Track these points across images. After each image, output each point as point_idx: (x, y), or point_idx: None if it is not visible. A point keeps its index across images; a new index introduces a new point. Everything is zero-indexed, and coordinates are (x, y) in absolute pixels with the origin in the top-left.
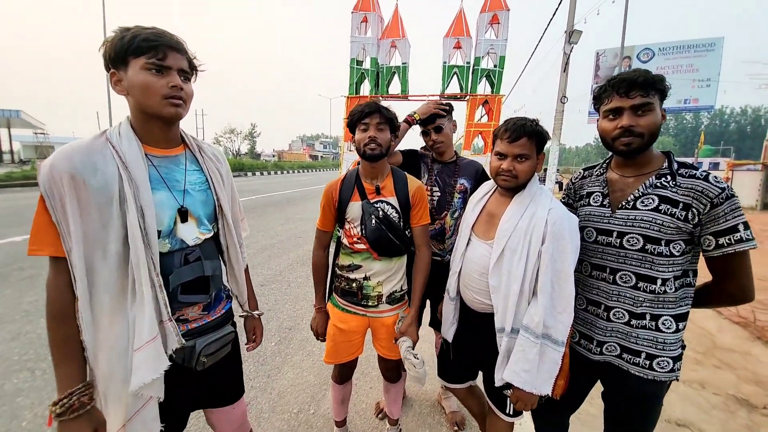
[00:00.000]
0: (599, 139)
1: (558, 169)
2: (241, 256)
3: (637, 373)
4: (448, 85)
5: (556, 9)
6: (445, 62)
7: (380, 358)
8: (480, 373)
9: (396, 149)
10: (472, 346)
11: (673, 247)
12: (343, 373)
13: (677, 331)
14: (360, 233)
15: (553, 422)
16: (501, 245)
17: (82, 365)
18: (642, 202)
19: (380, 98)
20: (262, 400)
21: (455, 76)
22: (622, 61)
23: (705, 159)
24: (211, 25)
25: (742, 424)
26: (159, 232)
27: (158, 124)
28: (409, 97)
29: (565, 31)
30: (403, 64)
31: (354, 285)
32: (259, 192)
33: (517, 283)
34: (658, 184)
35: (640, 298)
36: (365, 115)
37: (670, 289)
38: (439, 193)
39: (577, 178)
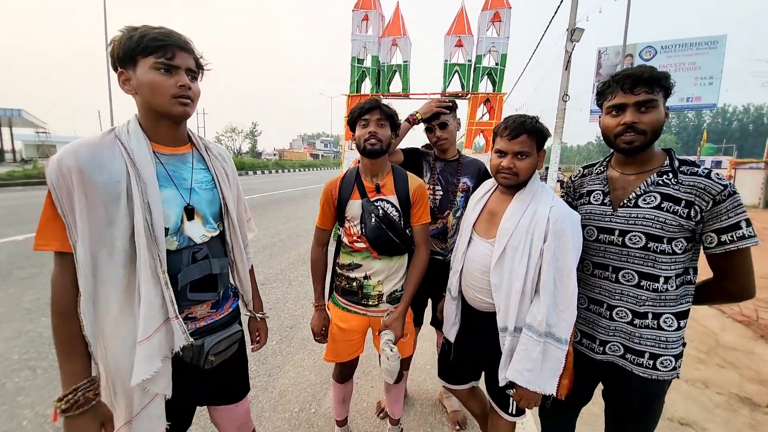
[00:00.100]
0: (601, 138)
1: (560, 168)
2: (246, 256)
3: (641, 374)
4: (449, 84)
5: (558, 7)
6: (446, 60)
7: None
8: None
9: (397, 148)
10: (473, 345)
11: (675, 245)
12: (344, 372)
13: (679, 329)
14: (360, 232)
15: (560, 421)
16: (502, 244)
17: (86, 361)
18: (644, 199)
19: (381, 96)
20: (263, 399)
21: (456, 74)
22: (624, 59)
23: (707, 157)
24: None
25: (745, 423)
26: (167, 229)
27: (166, 123)
28: (411, 96)
29: (567, 29)
30: (404, 62)
31: (354, 284)
32: (260, 191)
33: (519, 282)
34: (659, 181)
35: (643, 297)
36: (365, 111)
37: (672, 287)
38: (441, 192)
39: (576, 176)
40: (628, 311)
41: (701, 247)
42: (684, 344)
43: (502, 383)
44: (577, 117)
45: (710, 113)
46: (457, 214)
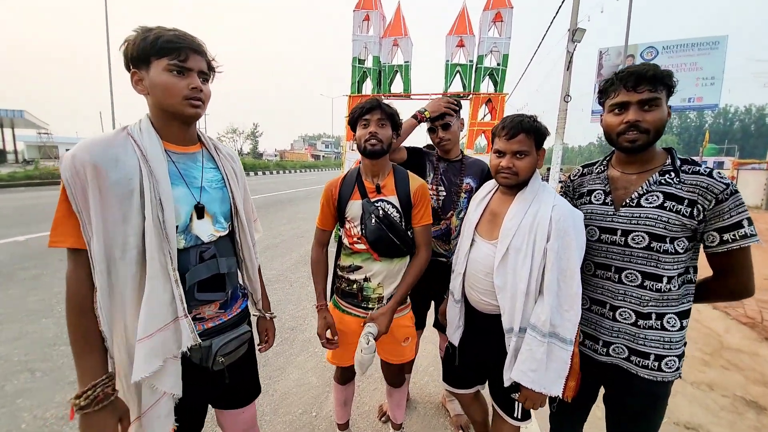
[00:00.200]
0: (602, 139)
1: (561, 168)
2: (255, 256)
3: (646, 376)
4: (450, 84)
5: (560, 7)
6: (447, 60)
7: (383, 363)
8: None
9: (401, 145)
10: (477, 347)
11: (677, 244)
12: (345, 374)
13: (681, 328)
14: (360, 233)
15: (568, 423)
16: (505, 244)
17: (103, 356)
18: (646, 199)
19: (382, 97)
20: (264, 402)
21: (458, 74)
22: (625, 59)
23: (709, 158)
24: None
25: (751, 426)
26: (176, 227)
27: (177, 123)
28: (412, 96)
29: (569, 29)
30: (405, 62)
31: (354, 286)
32: (261, 192)
33: (524, 282)
34: (662, 181)
35: (646, 297)
36: (366, 111)
37: (674, 286)
38: (444, 193)
39: (576, 175)
40: (631, 312)
41: (701, 246)
42: (685, 344)
43: (506, 383)
44: (578, 117)
45: (712, 114)
46: (461, 216)
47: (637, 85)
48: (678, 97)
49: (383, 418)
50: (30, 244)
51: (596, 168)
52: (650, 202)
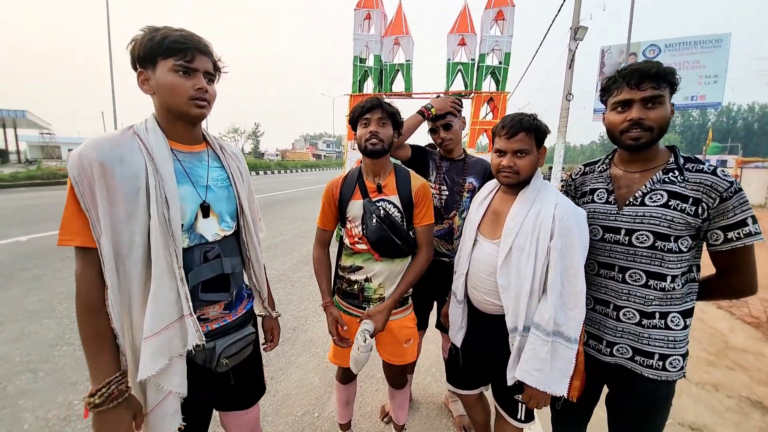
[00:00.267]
0: (604, 137)
1: (563, 167)
2: (260, 255)
3: (650, 376)
4: (452, 83)
5: (561, 5)
6: (449, 59)
7: (385, 364)
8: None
9: (406, 143)
10: (480, 348)
11: (681, 243)
12: (347, 373)
13: (685, 327)
14: (361, 233)
15: (571, 423)
16: (508, 243)
17: (116, 354)
18: (650, 198)
19: (384, 96)
20: (265, 402)
21: (459, 73)
22: (628, 57)
23: (712, 156)
24: (211, 24)
25: (756, 427)
26: (181, 225)
27: (183, 123)
28: (413, 95)
29: (571, 28)
30: (406, 61)
31: (355, 287)
32: (262, 191)
33: (527, 282)
34: (665, 179)
35: (650, 297)
36: (367, 110)
37: (678, 285)
38: (447, 192)
39: (577, 174)
40: (635, 312)
41: (704, 244)
42: (687, 342)
43: (510, 383)
44: (580, 116)
45: (715, 112)
46: (463, 215)
47: (641, 82)
48: (681, 95)
49: (386, 419)
50: (31, 245)
51: (598, 166)
52: (654, 201)
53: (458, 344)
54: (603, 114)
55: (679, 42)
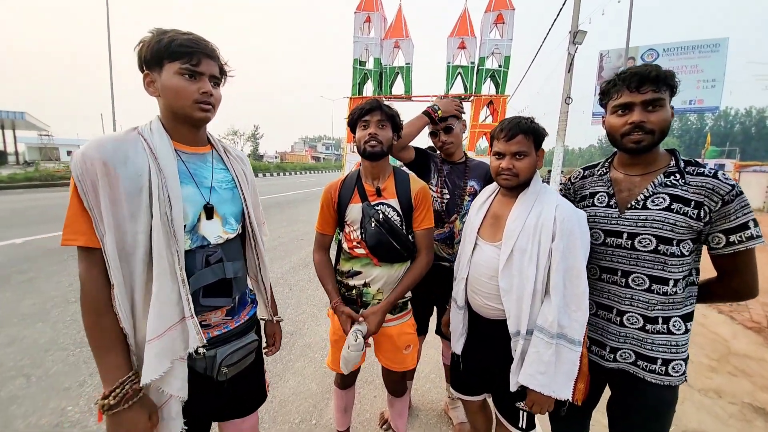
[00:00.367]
0: (603, 141)
1: (562, 171)
2: (265, 259)
3: (653, 380)
4: (452, 86)
5: (561, 9)
6: (449, 62)
7: (384, 371)
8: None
9: (410, 144)
10: (480, 353)
11: (683, 247)
12: (346, 379)
13: (686, 331)
14: (359, 237)
15: (573, 427)
16: (510, 246)
17: (127, 353)
18: (652, 201)
19: (383, 99)
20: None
21: (459, 76)
22: (627, 61)
23: (710, 160)
24: (211, 24)
25: None
26: (184, 226)
27: (187, 126)
28: (413, 98)
29: (570, 32)
30: (406, 64)
31: (354, 292)
32: (261, 193)
33: (530, 284)
34: (667, 182)
35: (653, 301)
36: (366, 112)
37: (680, 289)
38: (448, 196)
39: (576, 177)
40: (639, 317)
41: (703, 248)
42: (687, 346)
43: (513, 388)
44: (579, 120)
45: (712, 116)
46: (464, 219)
47: (641, 85)
48: (679, 99)
49: (384, 426)
50: (27, 247)
51: (598, 170)
52: (657, 205)
53: (458, 351)
54: (603, 117)
55: (677, 46)
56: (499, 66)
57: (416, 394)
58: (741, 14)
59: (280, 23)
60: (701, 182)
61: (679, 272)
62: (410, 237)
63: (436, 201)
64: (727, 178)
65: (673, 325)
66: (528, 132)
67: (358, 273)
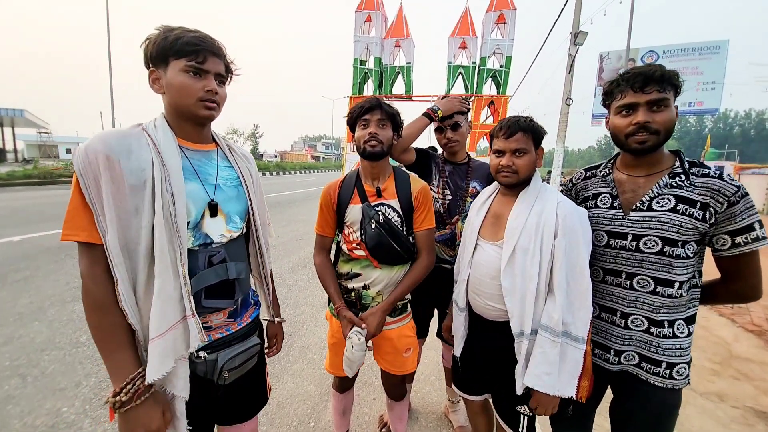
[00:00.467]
0: (602, 142)
1: (562, 172)
2: (269, 259)
3: (657, 383)
4: (453, 86)
5: (562, 10)
6: (450, 62)
7: (383, 374)
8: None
9: (412, 145)
10: (482, 356)
11: (688, 249)
12: (344, 382)
13: (689, 334)
14: (359, 238)
15: (575, 428)
16: (512, 244)
17: (135, 349)
18: (658, 202)
19: (384, 98)
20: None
21: (460, 76)
22: (627, 62)
23: (710, 162)
24: (211, 24)
25: None
26: (187, 223)
27: (191, 124)
28: (414, 98)
29: (571, 32)
30: (407, 64)
31: (353, 294)
32: None
33: (533, 283)
34: (672, 183)
35: (658, 304)
36: (366, 111)
37: (684, 292)
38: (450, 197)
39: (578, 178)
40: (644, 319)
41: (711, 250)
42: (690, 349)
43: (519, 391)
44: (579, 120)
45: (712, 118)
46: (466, 220)
47: (645, 85)
48: (678, 101)
49: (384, 429)
50: (25, 245)
51: (600, 171)
52: (662, 206)
53: (458, 354)
54: (606, 118)
55: (677, 48)
56: (501, 66)
57: (416, 396)
58: (741, 16)
59: (280, 21)
60: (706, 183)
61: (684, 274)
62: (411, 238)
63: (438, 202)
64: (732, 180)
65: (677, 328)
66: (527, 130)
67: (358, 275)
